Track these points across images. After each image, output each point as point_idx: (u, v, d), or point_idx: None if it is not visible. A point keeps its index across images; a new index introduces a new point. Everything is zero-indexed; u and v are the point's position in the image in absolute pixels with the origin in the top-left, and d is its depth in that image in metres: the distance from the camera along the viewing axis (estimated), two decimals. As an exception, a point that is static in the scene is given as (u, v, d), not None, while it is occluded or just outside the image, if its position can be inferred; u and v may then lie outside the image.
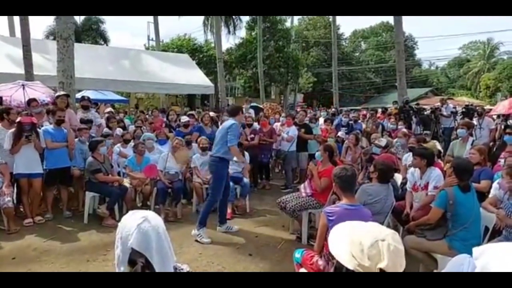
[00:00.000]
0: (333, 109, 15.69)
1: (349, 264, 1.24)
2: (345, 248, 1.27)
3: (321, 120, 9.83)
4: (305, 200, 4.46)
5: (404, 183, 4.64)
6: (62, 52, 6.97)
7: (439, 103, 10.64)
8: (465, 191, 3.10)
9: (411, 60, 40.94)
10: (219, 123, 8.39)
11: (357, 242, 1.25)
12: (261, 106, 12.91)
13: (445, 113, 10.00)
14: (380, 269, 1.23)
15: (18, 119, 4.96)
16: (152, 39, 25.40)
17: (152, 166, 5.63)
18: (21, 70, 8.73)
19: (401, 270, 1.26)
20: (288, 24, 28.52)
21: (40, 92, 6.75)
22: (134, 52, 15.36)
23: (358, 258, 1.23)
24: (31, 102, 6.14)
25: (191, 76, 14.15)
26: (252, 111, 10.33)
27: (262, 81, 21.94)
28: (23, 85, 6.89)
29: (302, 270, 2.88)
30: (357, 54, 44.42)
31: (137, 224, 1.35)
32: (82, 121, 6.12)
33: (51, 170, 5.20)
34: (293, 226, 4.83)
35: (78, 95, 9.43)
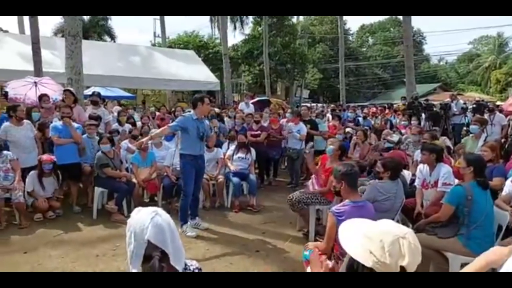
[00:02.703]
0: (332, 105, 15.61)
1: (367, 261, 1.21)
2: (361, 245, 1.24)
3: (329, 116, 9.79)
4: (313, 195, 4.43)
5: (414, 180, 4.59)
6: (71, 49, 7.02)
7: (449, 99, 10.51)
8: (484, 188, 3.05)
9: (420, 55, 40.49)
10: (225, 119, 8.44)
11: (377, 239, 1.21)
12: (268, 98, 12.86)
13: (455, 109, 9.86)
14: (401, 266, 1.20)
15: (39, 157, 5.01)
16: (158, 36, 25.42)
17: (153, 183, 5.68)
18: (30, 67, 8.80)
19: (414, 269, 1.24)
20: (294, 19, 28.38)
21: (52, 90, 6.79)
22: (141, 48, 15.37)
23: (378, 255, 1.19)
24: (42, 97, 6.18)
25: (197, 73, 14.16)
26: (252, 106, 10.29)
27: (268, 77, 21.88)
28: (35, 82, 6.93)
29: (310, 267, 2.87)
30: (364, 49, 44.05)
31: (151, 218, 1.36)
32: (91, 117, 6.15)
33: (60, 166, 5.25)
34: (300, 222, 4.81)
35: (87, 92, 9.50)
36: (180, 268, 1.39)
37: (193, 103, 4.60)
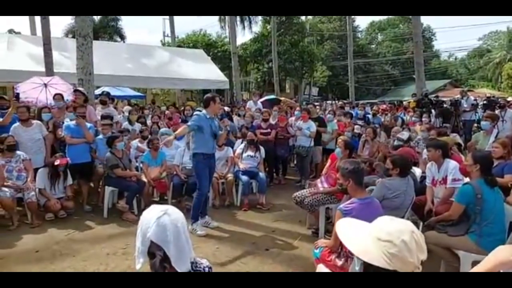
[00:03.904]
0: (340, 103, 15.54)
1: (388, 265, 1.19)
2: (378, 250, 1.21)
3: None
4: (323, 195, 4.41)
5: (424, 177, 4.55)
6: (81, 49, 7.08)
7: (459, 95, 10.38)
8: (493, 186, 3.02)
9: (429, 52, 40.00)
10: (234, 117, 8.45)
11: (397, 240, 1.19)
12: (280, 98, 12.87)
13: (465, 106, 9.74)
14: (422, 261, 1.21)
15: (56, 162, 5.04)
16: (167, 35, 25.59)
17: (163, 183, 5.73)
18: (42, 68, 8.93)
19: None
20: (303, 18, 28.27)
21: (62, 91, 6.86)
22: (150, 48, 15.50)
23: (403, 256, 1.17)
24: (55, 95, 6.28)
25: (206, 71, 14.21)
26: (260, 104, 10.28)
27: (277, 75, 21.85)
28: (45, 84, 7.01)
29: (321, 265, 2.87)
30: (373, 46, 43.69)
31: (157, 217, 1.38)
32: (104, 116, 6.21)
33: (72, 166, 5.31)
34: (309, 221, 4.80)
35: (97, 91, 9.59)
36: (183, 270, 1.39)
37: (204, 102, 4.66)
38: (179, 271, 1.37)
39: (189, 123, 4.58)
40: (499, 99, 10.49)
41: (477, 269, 1.47)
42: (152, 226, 1.36)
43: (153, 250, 1.37)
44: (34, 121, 5.49)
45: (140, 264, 1.39)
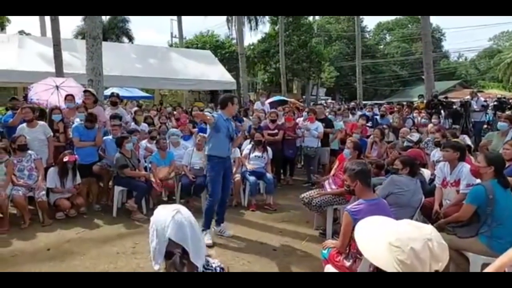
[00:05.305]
0: (352, 103, 15.48)
1: (397, 270, 1.18)
2: (388, 255, 1.19)
3: (351, 116, 9.67)
4: (331, 196, 4.41)
5: (432, 179, 4.52)
6: (91, 50, 7.16)
7: (469, 96, 10.27)
8: (505, 187, 2.99)
9: (439, 52, 39.68)
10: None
11: (406, 248, 1.16)
12: (287, 99, 12.88)
13: (475, 107, 9.64)
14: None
15: (65, 159, 5.06)
16: (175, 36, 25.77)
17: (170, 183, 5.80)
18: (52, 69, 9.04)
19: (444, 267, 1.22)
20: (310, 18, 28.25)
21: (74, 93, 6.94)
22: (158, 49, 15.62)
23: (411, 264, 1.16)
24: (67, 96, 6.36)
25: (213, 72, 14.27)
26: (268, 105, 10.30)
27: (284, 75, 21.84)
28: (56, 86, 7.09)
29: (329, 266, 2.87)
30: (381, 46, 43.47)
31: (172, 216, 1.39)
32: (113, 116, 6.27)
33: (81, 165, 5.37)
34: (317, 222, 4.80)
35: (105, 92, 9.68)
36: (200, 265, 1.41)
37: (221, 103, 4.40)
38: (197, 265, 1.39)
39: (213, 114, 4.32)
40: (510, 100, 10.36)
41: (489, 269, 1.46)
42: (169, 225, 1.38)
43: (171, 249, 1.38)
44: (39, 122, 5.52)
45: (158, 265, 1.40)
